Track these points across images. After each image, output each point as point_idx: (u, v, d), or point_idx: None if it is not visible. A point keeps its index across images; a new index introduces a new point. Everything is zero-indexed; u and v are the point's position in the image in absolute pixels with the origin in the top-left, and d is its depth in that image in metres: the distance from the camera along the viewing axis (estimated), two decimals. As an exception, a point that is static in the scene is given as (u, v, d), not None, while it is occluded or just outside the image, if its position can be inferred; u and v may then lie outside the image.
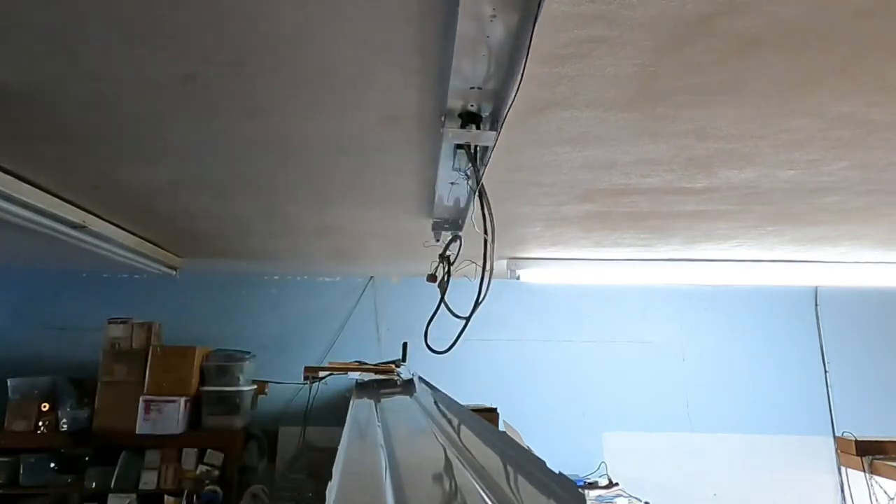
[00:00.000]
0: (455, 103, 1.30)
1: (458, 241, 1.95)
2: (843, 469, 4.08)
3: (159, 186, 2.16)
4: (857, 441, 3.86)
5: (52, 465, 3.42)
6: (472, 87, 1.22)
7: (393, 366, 3.46)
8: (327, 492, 0.79)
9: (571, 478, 1.09)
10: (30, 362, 3.86)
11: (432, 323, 1.92)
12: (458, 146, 1.51)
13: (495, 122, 1.38)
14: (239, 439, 3.63)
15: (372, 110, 1.47)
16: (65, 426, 3.48)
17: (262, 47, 1.19)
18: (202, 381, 3.66)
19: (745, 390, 4.25)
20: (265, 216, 2.58)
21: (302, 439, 3.76)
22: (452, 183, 1.78)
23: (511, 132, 1.53)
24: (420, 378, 2.15)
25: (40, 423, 3.49)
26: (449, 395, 1.87)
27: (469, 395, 2.06)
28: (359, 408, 1.56)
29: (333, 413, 3.65)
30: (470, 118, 1.35)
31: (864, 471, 3.77)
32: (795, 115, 1.47)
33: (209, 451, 3.52)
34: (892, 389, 4.26)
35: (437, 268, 2.06)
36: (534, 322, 4.25)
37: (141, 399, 3.49)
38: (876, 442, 3.83)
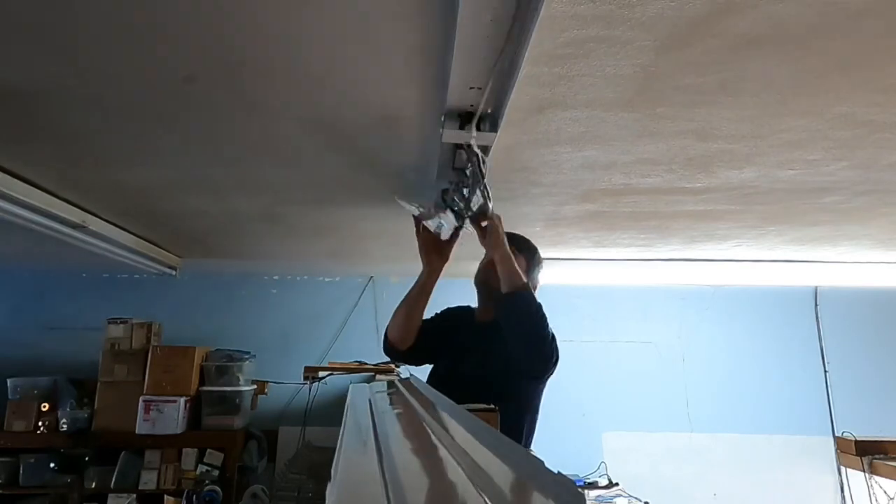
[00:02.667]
0: (455, 103, 1.30)
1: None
2: (842, 469, 4.08)
3: (159, 186, 2.16)
4: (856, 441, 3.86)
5: (52, 465, 3.41)
6: (471, 87, 1.22)
7: (393, 366, 3.46)
8: (327, 492, 0.79)
9: (571, 478, 1.09)
10: (30, 362, 3.85)
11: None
12: (458, 146, 1.51)
13: (495, 122, 1.38)
14: (239, 439, 3.63)
15: (371, 110, 1.47)
16: (65, 426, 3.47)
17: (262, 47, 1.19)
18: (202, 381, 3.66)
19: (745, 390, 4.25)
20: (265, 216, 2.58)
21: (302, 439, 3.76)
22: (452, 183, 1.78)
23: (511, 132, 1.53)
24: (416, 378, 2.15)
25: (40, 423, 3.49)
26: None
27: (469, 395, 2.06)
28: (355, 409, 1.56)
29: (333, 413, 3.65)
30: (470, 118, 1.35)
31: (864, 471, 3.77)
32: (795, 115, 1.47)
33: (209, 451, 3.52)
34: (892, 389, 4.26)
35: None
36: (534, 322, 4.22)
37: (141, 399, 3.49)
38: (876, 442, 3.83)
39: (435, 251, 1.90)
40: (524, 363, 1.78)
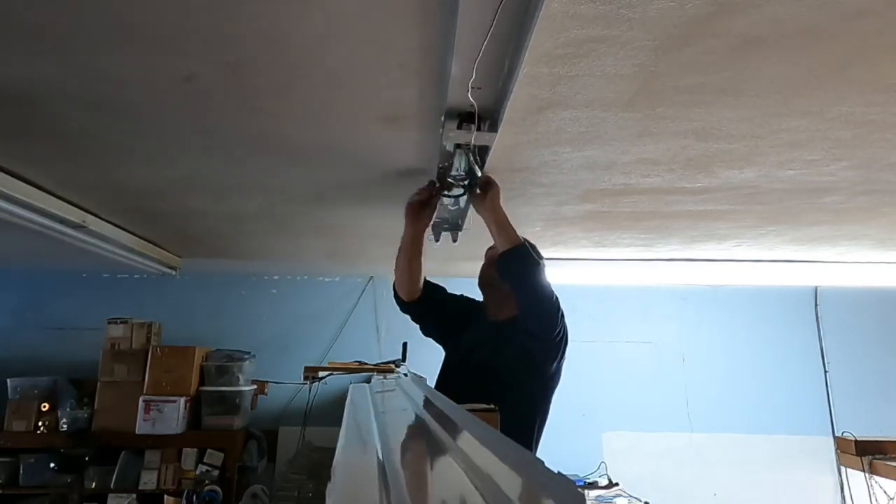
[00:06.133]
0: (455, 103, 1.30)
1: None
2: (842, 469, 4.08)
3: (159, 186, 2.16)
4: (856, 441, 3.86)
5: (52, 465, 3.40)
6: (472, 87, 1.22)
7: (393, 366, 3.46)
8: (327, 492, 0.79)
9: (571, 478, 1.09)
10: (30, 362, 3.85)
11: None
12: (458, 146, 1.51)
13: (495, 122, 1.38)
14: (239, 439, 3.63)
15: (372, 110, 1.47)
16: (65, 426, 3.47)
17: (262, 47, 1.19)
18: (202, 381, 3.66)
19: (745, 390, 4.25)
20: (265, 216, 2.58)
21: (302, 439, 3.76)
22: (452, 183, 1.78)
23: (511, 132, 1.53)
24: (416, 376, 2.15)
25: (40, 423, 3.49)
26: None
27: (469, 395, 2.06)
28: (355, 409, 1.57)
29: (333, 413, 3.65)
30: (470, 118, 1.35)
31: (864, 471, 3.77)
32: (795, 115, 1.47)
33: (209, 451, 3.52)
34: (892, 389, 4.26)
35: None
36: (534, 322, 4.23)
37: (141, 399, 3.49)
38: (876, 442, 3.83)
39: (418, 215, 1.91)
40: (529, 320, 1.83)
